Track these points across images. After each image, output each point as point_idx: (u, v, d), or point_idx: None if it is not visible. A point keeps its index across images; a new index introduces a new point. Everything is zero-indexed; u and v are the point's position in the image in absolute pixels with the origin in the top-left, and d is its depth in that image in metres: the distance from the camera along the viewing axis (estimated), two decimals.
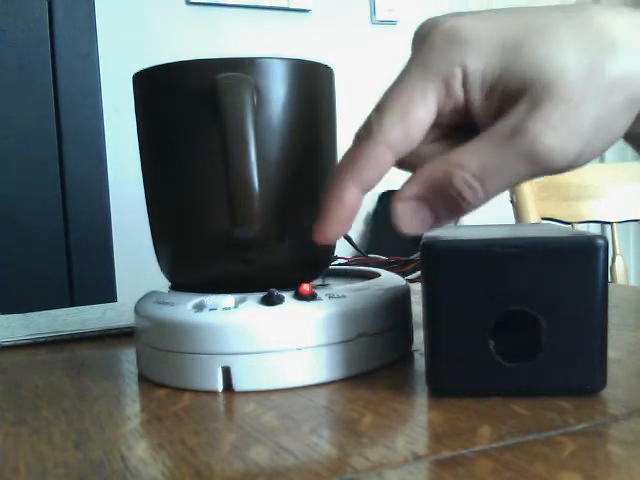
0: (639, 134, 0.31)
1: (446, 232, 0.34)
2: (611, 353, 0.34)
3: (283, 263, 0.37)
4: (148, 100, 0.38)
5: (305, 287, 0.35)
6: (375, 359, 0.36)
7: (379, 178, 0.32)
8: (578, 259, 0.29)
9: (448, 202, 0.30)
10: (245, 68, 0.35)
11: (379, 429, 0.28)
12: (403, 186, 0.31)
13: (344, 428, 0.28)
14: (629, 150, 0.36)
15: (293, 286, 0.35)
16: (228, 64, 0.35)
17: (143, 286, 0.43)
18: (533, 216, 1.09)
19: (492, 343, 0.30)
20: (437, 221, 0.31)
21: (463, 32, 0.30)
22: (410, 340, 0.41)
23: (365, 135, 0.31)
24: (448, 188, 0.29)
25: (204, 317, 0.34)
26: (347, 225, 0.33)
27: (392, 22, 1.88)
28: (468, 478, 0.22)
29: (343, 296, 0.35)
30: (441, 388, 0.31)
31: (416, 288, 0.38)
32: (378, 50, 1.86)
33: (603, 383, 0.30)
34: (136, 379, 0.38)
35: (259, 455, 0.25)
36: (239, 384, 0.34)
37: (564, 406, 0.29)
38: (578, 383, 0.30)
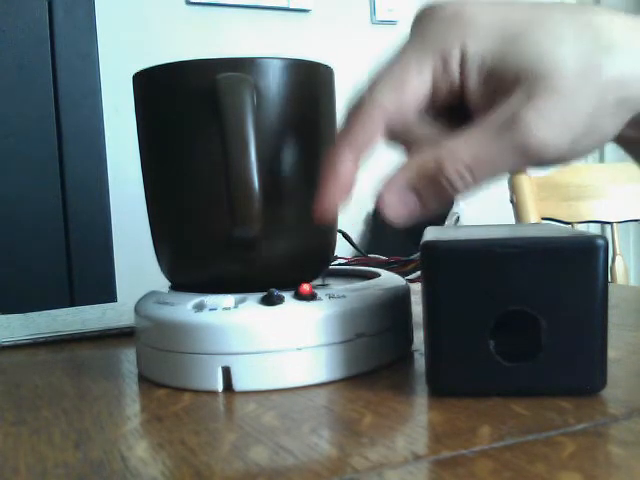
0: (631, 137, 0.31)
1: (446, 232, 0.34)
2: (611, 353, 0.34)
3: (283, 263, 0.37)
4: (148, 100, 0.38)
5: (305, 287, 0.35)
6: (375, 359, 0.36)
7: (372, 142, 0.32)
8: (578, 259, 0.29)
9: (437, 191, 0.30)
10: (245, 68, 0.35)
11: (379, 429, 0.28)
12: (392, 175, 0.31)
13: (344, 428, 0.28)
14: None
15: (293, 286, 0.35)
16: (228, 64, 0.35)
17: (143, 286, 0.43)
18: (533, 216, 1.09)
19: (492, 343, 0.30)
20: (424, 210, 0.31)
21: (466, 16, 0.30)
22: (410, 340, 0.40)
23: (359, 102, 0.31)
24: (439, 177, 0.29)
25: (204, 317, 0.34)
26: (344, 194, 0.32)
27: (392, 22, 1.88)
28: (468, 478, 0.22)
29: (343, 296, 0.35)
30: (441, 388, 0.31)
31: (416, 288, 0.38)
32: (378, 50, 1.86)
33: (603, 383, 0.30)
34: (136, 379, 0.38)
35: (259, 455, 0.25)
36: (239, 384, 0.34)
37: (564, 406, 0.29)
38: (578, 383, 0.30)
